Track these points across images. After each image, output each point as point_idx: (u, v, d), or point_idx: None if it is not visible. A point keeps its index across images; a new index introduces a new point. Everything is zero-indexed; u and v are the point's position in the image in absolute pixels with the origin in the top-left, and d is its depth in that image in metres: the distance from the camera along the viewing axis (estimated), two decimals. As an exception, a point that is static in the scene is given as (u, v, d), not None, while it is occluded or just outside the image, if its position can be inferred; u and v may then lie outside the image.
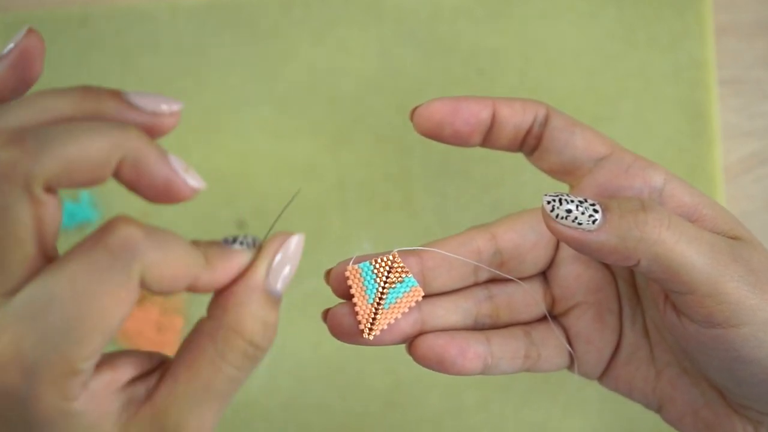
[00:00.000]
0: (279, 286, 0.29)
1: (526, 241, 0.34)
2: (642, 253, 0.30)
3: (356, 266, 0.32)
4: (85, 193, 0.49)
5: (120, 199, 0.49)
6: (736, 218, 0.33)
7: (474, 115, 0.33)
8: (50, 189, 0.25)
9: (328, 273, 0.33)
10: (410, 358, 0.49)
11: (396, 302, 0.32)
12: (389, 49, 0.49)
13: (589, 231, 0.29)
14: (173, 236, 0.26)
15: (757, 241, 0.32)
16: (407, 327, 0.33)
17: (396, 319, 0.32)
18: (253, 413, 0.49)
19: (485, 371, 0.34)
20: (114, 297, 0.24)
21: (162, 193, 0.27)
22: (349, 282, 0.32)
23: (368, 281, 0.32)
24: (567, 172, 0.34)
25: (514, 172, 0.49)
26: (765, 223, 0.49)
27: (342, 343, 0.50)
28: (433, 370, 0.33)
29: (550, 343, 0.35)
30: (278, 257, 0.29)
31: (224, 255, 0.27)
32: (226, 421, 0.49)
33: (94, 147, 0.25)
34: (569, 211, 0.30)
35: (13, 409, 0.25)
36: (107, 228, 0.25)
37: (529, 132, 0.34)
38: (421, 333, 0.33)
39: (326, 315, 0.33)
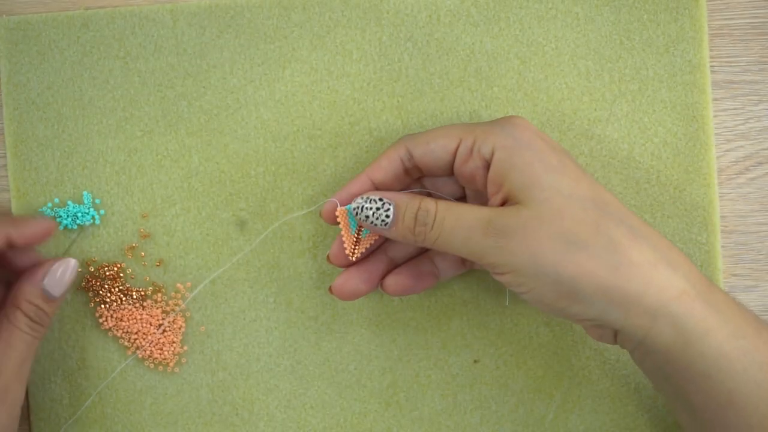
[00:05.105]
0: (54, 290, 0.44)
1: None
2: (428, 245, 0.41)
3: (343, 208, 0.43)
4: (86, 194, 0.49)
5: (121, 200, 0.49)
6: (537, 178, 0.40)
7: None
8: None
9: (321, 213, 0.45)
10: (408, 357, 0.49)
11: (369, 233, 0.44)
12: (388, 52, 0.49)
13: (386, 230, 0.42)
14: None
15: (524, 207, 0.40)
16: (381, 266, 0.45)
17: (371, 244, 0.44)
18: (253, 413, 0.49)
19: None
20: None
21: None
22: (338, 220, 0.43)
23: (351, 219, 0.43)
24: (462, 176, 0.43)
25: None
26: (759, 225, 0.49)
27: (341, 341, 0.50)
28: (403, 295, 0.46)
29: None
30: (58, 271, 0.44)
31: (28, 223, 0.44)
32: (226, 419, 0.49)
33: None
34: (367, 216, 0.42)
35: None
36: None
37: (407, 173, 0.44)
38: (389, 271, 0.46)
39: (329, 255, 0.45)
